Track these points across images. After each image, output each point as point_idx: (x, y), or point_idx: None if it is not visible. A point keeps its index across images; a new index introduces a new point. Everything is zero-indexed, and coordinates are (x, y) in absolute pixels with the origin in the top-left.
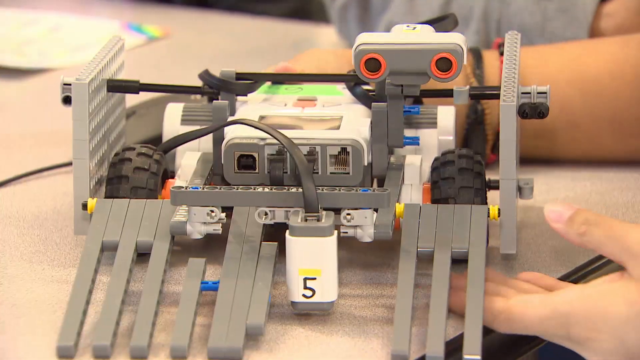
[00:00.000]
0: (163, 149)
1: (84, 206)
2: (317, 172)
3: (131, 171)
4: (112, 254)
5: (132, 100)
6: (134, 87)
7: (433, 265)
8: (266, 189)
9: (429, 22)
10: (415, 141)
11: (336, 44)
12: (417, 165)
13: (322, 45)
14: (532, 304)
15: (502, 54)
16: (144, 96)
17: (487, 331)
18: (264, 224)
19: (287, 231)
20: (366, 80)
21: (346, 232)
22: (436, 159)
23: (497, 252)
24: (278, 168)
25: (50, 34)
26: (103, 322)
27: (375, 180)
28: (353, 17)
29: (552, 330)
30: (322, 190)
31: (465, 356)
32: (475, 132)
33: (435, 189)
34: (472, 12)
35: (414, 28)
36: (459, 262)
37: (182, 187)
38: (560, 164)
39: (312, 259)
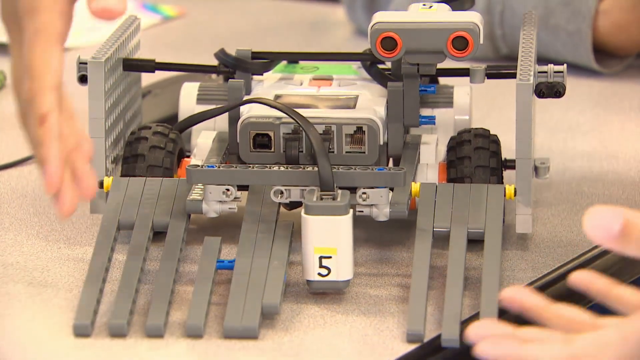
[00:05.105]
0: (179, 128)
1: (100, 184)
2: (333, 151)
3: (147, 150)
4: (128, 233)
5: (147, 79)
6: (150, 66)
7: (449, 245)
8: (282, 168)
9: (446, 1)
10: (431, 120)
11: (350, 24)
12: (433, 144)
13: (337, 25)
14: None
15: None
16: (160, 75)
17: (501, 312)
18: (279, 203)
19: (303, 210)
20: (382, 59)
21: (362, 211)
22: (452, 138)
23: (513, 232)
24: (294, 147)
25: None
26: (119, 301)
27: (391, 160)
28: (361, 6)
29: None
30: (338, 169)
31: None
32: None
33: (451, 168)
34: (476, 4)
35: (430, 7)
36: (475, 242)
37: (198, 166)
38: (576, 143)
39: (328, 237)
